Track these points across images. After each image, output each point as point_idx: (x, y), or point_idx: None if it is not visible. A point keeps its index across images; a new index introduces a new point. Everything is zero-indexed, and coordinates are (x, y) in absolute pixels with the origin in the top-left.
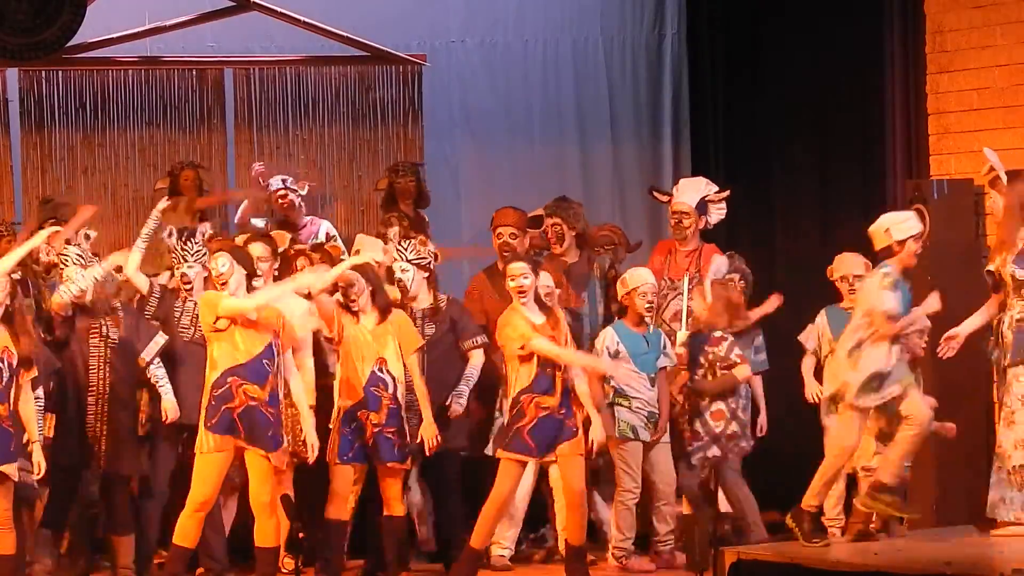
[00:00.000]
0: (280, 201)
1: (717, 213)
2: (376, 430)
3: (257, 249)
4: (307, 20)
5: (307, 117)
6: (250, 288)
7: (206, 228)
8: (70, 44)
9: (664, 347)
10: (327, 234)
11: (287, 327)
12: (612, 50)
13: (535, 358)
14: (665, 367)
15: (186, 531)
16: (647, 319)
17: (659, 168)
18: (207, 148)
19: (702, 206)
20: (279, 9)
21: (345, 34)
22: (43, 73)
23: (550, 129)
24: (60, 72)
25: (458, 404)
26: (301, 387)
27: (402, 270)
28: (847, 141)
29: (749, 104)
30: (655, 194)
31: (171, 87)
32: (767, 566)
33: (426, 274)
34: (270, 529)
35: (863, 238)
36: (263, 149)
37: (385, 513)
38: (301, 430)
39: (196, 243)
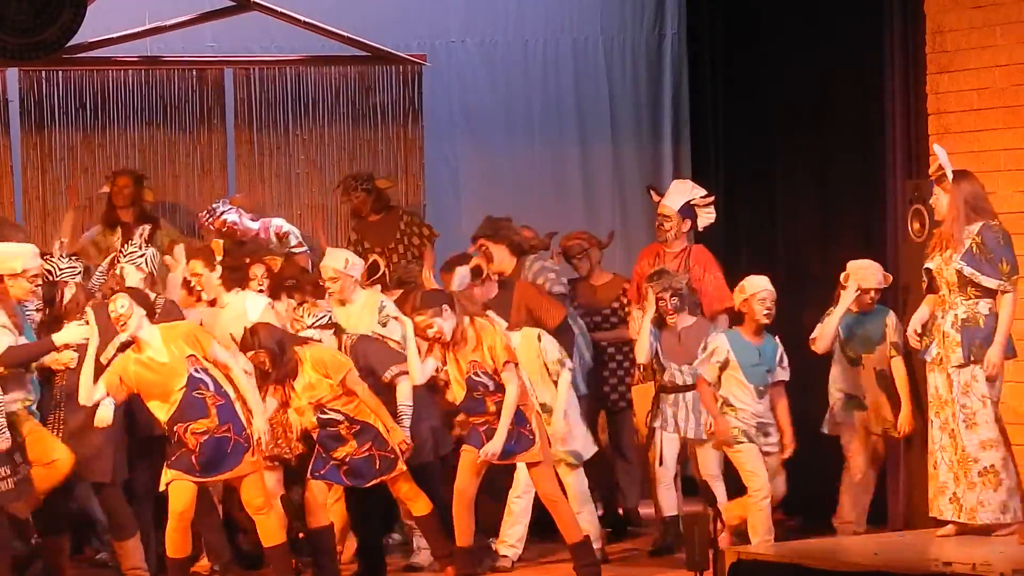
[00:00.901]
0: (224, 229)
1: (705, 217)
2: (348, 459)
3: (196, 266)
4: (307, 20)
5: (307, 117)
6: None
7: (144, 230)
8: (70, 44)
9: (780, 360)
10: (278, 230)
11: (199, 339)
12: (612, 50)
13: (456, 381)
14: (782, 381)
15: (174, 543)
16: (764, 326)
17: (659, 168)
18: (207, 148)
19: (687, 210)
20: (279, 9)
21: (345, 34)
22: (43, 73)
23: (550, 129)
24: (60, 72)
25: (407, 445)
26: (244, 379)
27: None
28: (847, 141)
29: (749, 104)
30: (652, 192)
31: (171, 87)
32: (767, 566)
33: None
34: (272, 527)
35: (863, 237)
36: (263, 149)
37: (414, 514)
38: (289, 433)
39: (132, 244)
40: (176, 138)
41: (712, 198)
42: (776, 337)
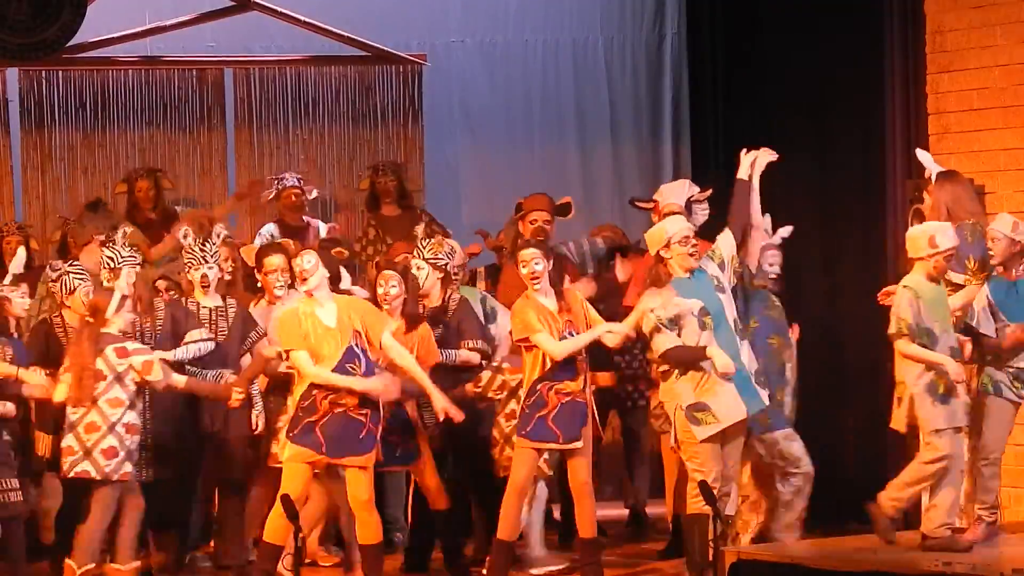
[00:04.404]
0: (294, 199)
1: (702, 213)
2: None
3: (276, 260)
4: (307, 20)
5: (307, 117)
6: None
7: (220, 229)
8: (70, 44)
9: None
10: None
11: (374, 321)
12: (612, 50)
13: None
14: None
15: (275, 528)
16: None
17: (659, 168)
18: (207, 148)
19: (687, 207)
20: (279, 9)
21: (345, 34)
22: (43, 73)
23: (550, 129)
24: (60, 72)
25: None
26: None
27: (416, 268)
28: (847, 141)
29: (749, 104)
30: (638, 204)
31: (171, 87)
32: (767, 566)
33: (441, 274)
34: (372, 525)
35: (863, 237)
36: (263, 149)
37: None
38: None
39: (213, 244)
40: (176, 138)
41: (708, 192)
42: None
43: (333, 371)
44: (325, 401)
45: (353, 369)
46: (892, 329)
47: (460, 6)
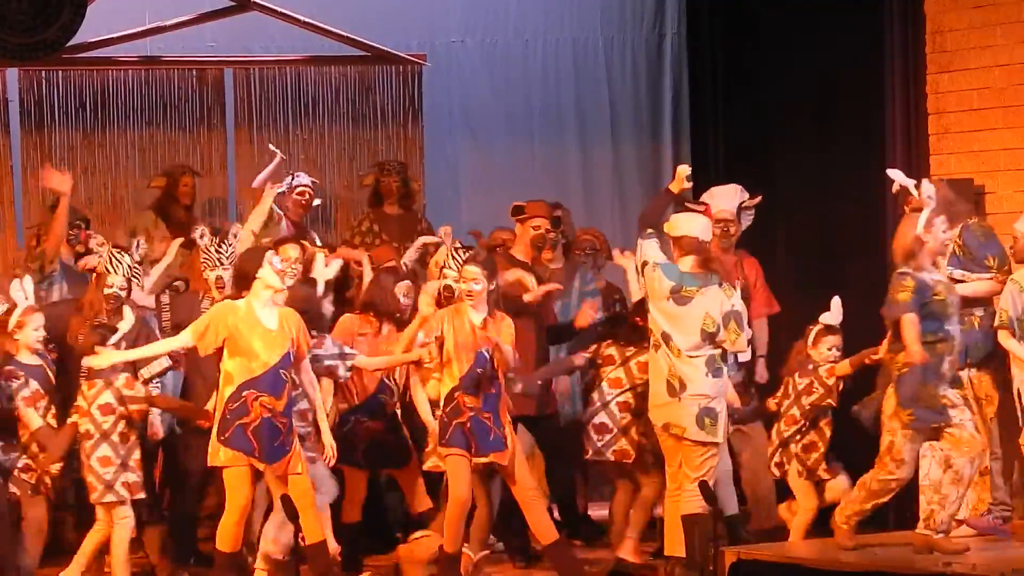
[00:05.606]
0: (301, 199)
1: (748, 219)
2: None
3: (292, 251)
4: (307, 20)
5: (307, 117)
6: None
7: (237, 229)
8: (70, 44)
9: None
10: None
11: (303, 332)
12: (612, 50)
13: (457, 356)
14: None
15: (231, 537)
16: None
17: (659, 168)
18: (207, 148)
19: (737, 213)
20: (279, 9)
21: (345, 34)
22: (43, 73)
23: (550, 129)
24: (60, 72)
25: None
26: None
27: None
28: (847, 141)
29: (749, 104)
30: (689, 207)
31: (171, 87)
32: (767, 566)
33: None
34: (312, 525)
35: (863, 237)
36: (263, 149)
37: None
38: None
39: (229, 245)
40: (176, 138)
41: (758, 199)
42: None
43: (264, 374)
44: (256, 403)
45: (286, 376)
46: (996, 321)
47: (460, 6)
